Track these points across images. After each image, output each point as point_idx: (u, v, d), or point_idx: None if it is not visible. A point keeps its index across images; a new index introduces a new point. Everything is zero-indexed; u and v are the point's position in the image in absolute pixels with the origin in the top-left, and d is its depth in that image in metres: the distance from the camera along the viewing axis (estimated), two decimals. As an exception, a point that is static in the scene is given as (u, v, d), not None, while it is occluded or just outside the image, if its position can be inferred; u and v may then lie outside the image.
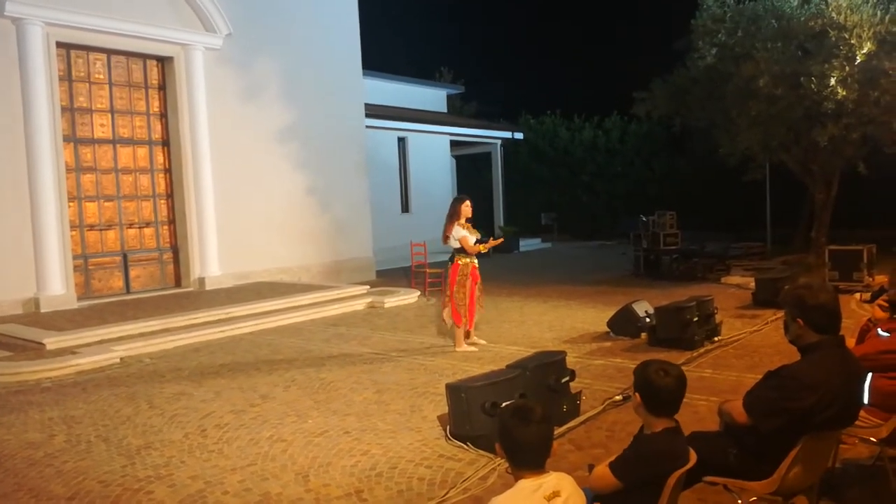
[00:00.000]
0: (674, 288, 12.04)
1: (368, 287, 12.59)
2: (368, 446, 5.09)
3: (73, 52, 11.66)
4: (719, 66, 14.46)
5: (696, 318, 7.76)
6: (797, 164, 15.15)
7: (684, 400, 2.93)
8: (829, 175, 14.97)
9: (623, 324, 8.55)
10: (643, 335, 8.28)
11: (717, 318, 8.41)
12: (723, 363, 7.17)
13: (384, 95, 20.43)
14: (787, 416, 3.11)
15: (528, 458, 2.54)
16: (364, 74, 16.33)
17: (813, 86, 12.50)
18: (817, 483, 3.40)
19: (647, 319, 8.38)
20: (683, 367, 3.23)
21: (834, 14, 12.51)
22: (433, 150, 21.24)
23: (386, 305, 11.55)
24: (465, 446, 4.96)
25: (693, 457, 2.87)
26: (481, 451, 4.83)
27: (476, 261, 8.12)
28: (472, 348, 8.15)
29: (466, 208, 8.05)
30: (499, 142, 23.25)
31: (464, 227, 7.98)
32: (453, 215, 8.02)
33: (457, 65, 32.38)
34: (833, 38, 12.48)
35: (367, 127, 16.41)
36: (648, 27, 35.43)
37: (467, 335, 8.26)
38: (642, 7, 38.89)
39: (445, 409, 5.35)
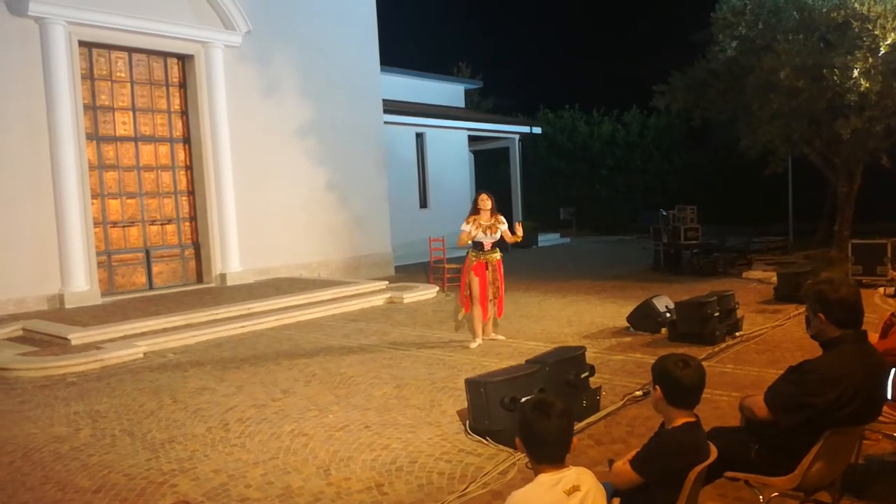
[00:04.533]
0: (694, 283, 11.96)
1: (387, 283, 12.64)
2: (388, 441, 5.12)
3: (94, 51, 11.79)
4: (740, 58, 14.33)
5: (717, 313, 7.71)
6: (819, 158, 14.97)
7: (705, 395, 2.93)
8: (851, 168, 14.78)
9: (643, 319, 8.52)
10: (663, 330, 8.24)
11: (739, 312, 8.35)
12: (744, 358, 7.12)
13: (402, 91, 20.46)
14: (809, 411, 3.09)
15: (548, 452, 2.55)
16: (382, 70, 16.34)
17: (835, 78, 12.34)
18: (839, 479, 3.38)
19: (668, 314, 8.34)
20: (704, 363, 3.22)
21: (857, 5, 12.33)
22: (451, 146, 21.24)
23: (405, 301, 11.58)
24: (484, 441, 4.98)
25: (714, 452, 2.86)
26: (501, 446, 4.85)
27: (486, 258, 8.06)
28: (476, 343, 8.11)
29: (482, 202, 8.07)
30: (517, 136, 23.19)
31: (472, 223, 8.02)
32: (471, 212, 8.14)
33: (475, 59, 32.32)
34: (856, 30, 12.31)
35: (385, 123, 16.43)
36: (668, 20, 35.14)
37: (484, 330, 8.28)
38: (661, 0, 38.58)
39: (465, 404, 5.38)
